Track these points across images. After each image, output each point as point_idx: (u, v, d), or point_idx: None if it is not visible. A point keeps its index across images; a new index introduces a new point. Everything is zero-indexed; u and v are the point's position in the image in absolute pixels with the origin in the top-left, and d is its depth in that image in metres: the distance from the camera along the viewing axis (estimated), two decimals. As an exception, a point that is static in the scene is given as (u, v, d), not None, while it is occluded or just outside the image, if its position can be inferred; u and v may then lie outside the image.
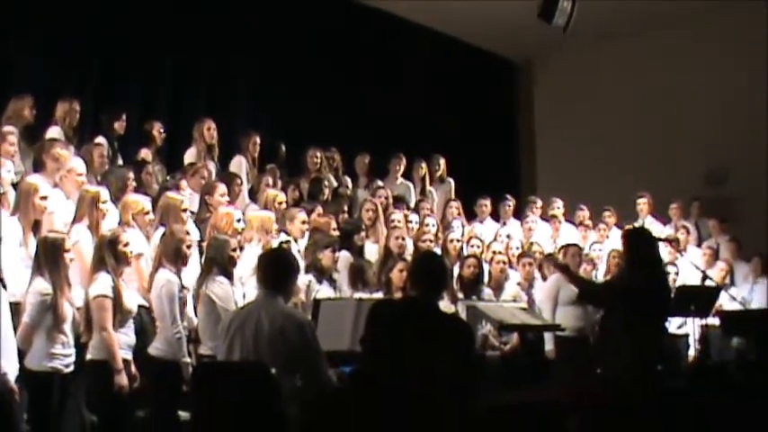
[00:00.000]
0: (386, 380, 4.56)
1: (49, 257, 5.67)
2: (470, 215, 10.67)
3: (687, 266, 9.77)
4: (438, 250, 8.80)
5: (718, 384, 6.47)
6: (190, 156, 8.98)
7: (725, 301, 9.61)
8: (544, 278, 9.07)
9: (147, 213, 6.82)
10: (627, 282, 6.97)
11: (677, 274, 9.68)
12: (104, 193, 6.63)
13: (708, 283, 9.70)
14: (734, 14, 12.36)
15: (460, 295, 8.14)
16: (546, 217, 10.83)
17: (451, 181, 11.13)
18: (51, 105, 8.18)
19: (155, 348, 6.10)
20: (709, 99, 12.98)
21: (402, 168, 10.75)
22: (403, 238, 8.37)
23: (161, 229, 6.65)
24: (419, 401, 4.38)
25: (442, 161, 11.11)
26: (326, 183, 9.63)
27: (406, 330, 4.67)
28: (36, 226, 6.21)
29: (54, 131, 7.91)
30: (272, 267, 5.19)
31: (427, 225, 9.13)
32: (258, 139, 9.48)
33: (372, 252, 8.51)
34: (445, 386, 4.52)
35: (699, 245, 11.10)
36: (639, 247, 7.05)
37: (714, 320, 9.34)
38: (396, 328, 4.72)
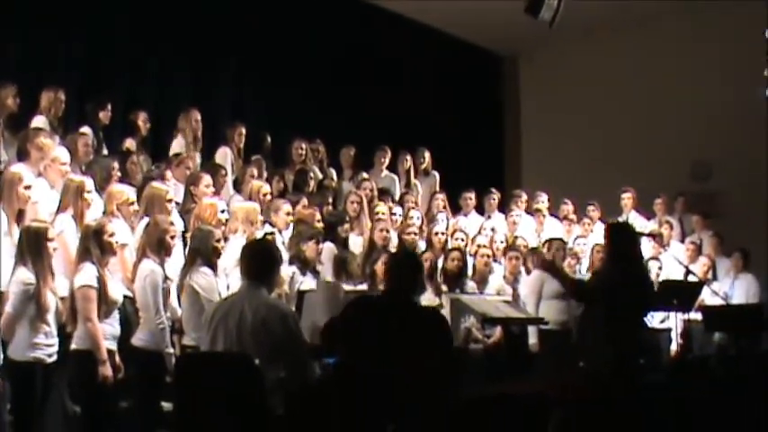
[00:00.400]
0: (367, 373, 4.59)
1: (32, 247, 5.65)
2: (455, 208, 10.69)
3: (670, 261, 9.82)
4: (422, 243, 8.83)
5: (700, 378, 6.52)
6: (177, 146, 8.97)
7: (707, 296, 9.67)
8: (528, 272, 9.10)
9: (132, 204, 6.81)
10: (607, 276, 7.00)
11: (660, 268, 9.72)
12: (89, 183, 6.61)
13: (691, 278, 9.76)
14: (718, 11, 12.40)
15: (444, 288, 8.16)
16: (530, 211, 10.85)
17: (436, 174, 11.15)
18: (36, 95, 8.14)
19: (138, 339, 6.08)
20: (693, 94, 13.02)
21: (387, 161, 10.76)
22: (387, 231, 8.39)
23: (145, 220, 6.64)
24: (401, 393, 4.41)
25: (428, 154, 11.12)
26: (311, 174, 9.62)
27: (385, 324, 4.71)
28: (20, 215, 6.19)
29: (39, 121, 7.87)
30: (255, 258, 5.21)
31: (412, 218, 9.15)
32: (243, 131, 9.49)
33: (357, 244, 8.52)
34: (426, 377, 4.56)
35: (683, 240, 11.14)
36: (621, 241, 7.08)
37: (696, 315, 9.40)
38: (374, 322, 4.77)
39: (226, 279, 6.73)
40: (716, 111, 12.74)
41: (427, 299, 7.92)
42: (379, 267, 7.62)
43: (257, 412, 4.75)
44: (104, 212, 6.64)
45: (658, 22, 13.16)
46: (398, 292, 4.97)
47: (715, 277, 10.69)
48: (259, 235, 7.19)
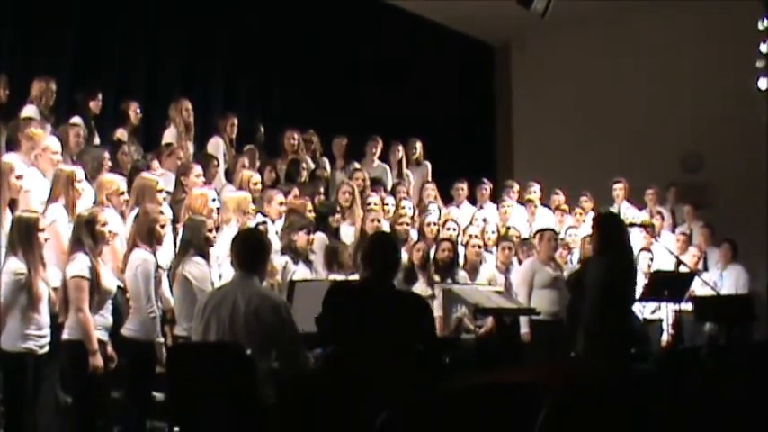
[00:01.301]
0: (355, 361, 4.60)
1: (23, 237, 5.64)
2: (447, 198, 10.69)
3: (661, 252, 9.85)
4: (414, 233, 8.84)
5: (690, 368, 6.54)
6: (169, 136, 8.95)
7: (697, 287, 9.70)
8: (520, 262, 9.12)
9: (123, 193, 6.80)
10: (595, 266, 7.02)
11: (652, 259, 9.75)
12: (80, 173, 6.60)
13: (681, 268, 9.79)
14: (711, 3, 12.41)
15: (437, 278, 8.18)
16: (522, 201, 10.86)
17: (428, 164, 11.14)
18: (26, 84, 8.12)
19: (128, 329, 6.06)
20: (685, 85, 13.04)
21: (379, 151, 10.75)
22: (379, 221, 8.39)
23: (136, 210, 6.63)
24: (388, 380, 4.42)
25: (419, 144, 11.11)
26: (304, 165, 9.62)
27: (365, 310, 4.71)
28: (12, 205, 6.17)
29: (29, 110, 7.85)
30: (245, 248, 5.22)
31: (403, 208, 9.15)
32: (236, 121, 9.47)
33: (349, 234, 8.52)
34: (411, 362, 4.57)
35: (674, 231, 11.18)
36: (610, 231, 7.10)
37: (687, 305, 9.44)
38: (354, 309, 4.76)
39: (218, 269, 6.73)
40: (707, 102, 12.76)
41: (419, 289, 7.94)
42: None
43: (249, 402, 4.76)
44: (95, 202, 6.63)
45: (651, 14, 13.16)
46: (376, 277, 4.90)
47: (705, 268, 10.75)
48: (252, 225, 7.19)
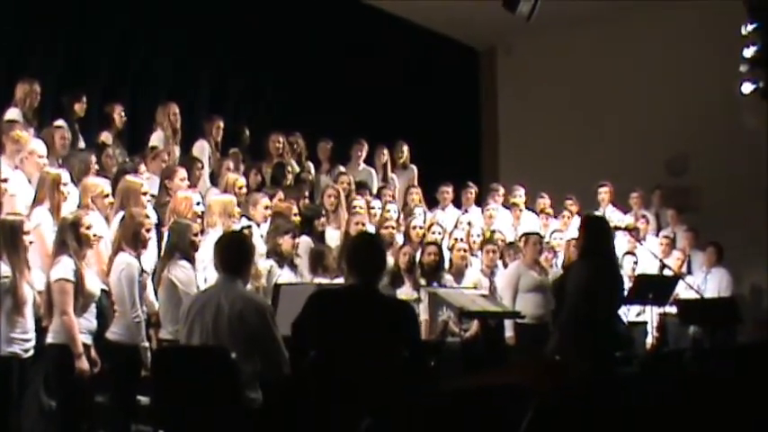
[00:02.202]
0: (340, 366, 4.59)
1: (8, 240, 5.61)
2: (432, 202, 10.70)
3: (646, 255, 9.88)
4: (400, 237, 8.84)
5: (674, 372, 6.56)
6: (155, 139, 8.92)
7: (681, 290, 9.73)
8: (505, 265, 9.14)
9: (107, 196, 6.76)
10: (580, 269, 7.03)
11: (636, 263, 9.79)
12: (65, 176, 6.58)
13: (666, 272, 9.82)
14: (695, 6, 12.46)
15: (422, 282, 8.19)
16: (507, 204, 10.88)
17: (414, 168, 11.15)
18: (10, 86, 8.09)
19: (113, 333, 6.04)
20: (670, 89, 13.08)
21: (364, 154, 10.75)
22: (363, 224, 8.39)
23: (121, 213, 6.61)
24: (374, 386, 4.41)
25: (405, 148, 11.12)
26: (289, 168, 9.61)
27: (350, 316, 4.69)
28: (-3, 208, 6.15)
29: (13, 113, 7.82)
30: (228, 252, 5.22)
31: (389, 212, 9.16)
32: (221, 124, 9.46)
33: (334, 238, 8.52)
34: (396, 367, 4.56)
35: (658, 234, 11.21)
36: (596, 234, 7.12)
37: (672, 309, 9.48)
38: (338, 315, 4.73)
39: (203, 272, 6.72)
40: (692, 106, 12.79)
41: (405, 292, 7.95)
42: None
43: (234, 406, 4.75)
44: (79, 205, 6.60)
45: (636, 17, 13.21)
46: (361, 281, 4.84)
47: (690, 271, 10.79)
48: (237, 228, 7.18)
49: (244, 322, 4.93)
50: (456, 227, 9.58)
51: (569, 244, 9.45)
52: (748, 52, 11.06)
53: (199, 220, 6.92)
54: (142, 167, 8.02)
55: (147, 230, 6.25)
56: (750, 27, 10.96)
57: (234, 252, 5.22)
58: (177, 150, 8.94)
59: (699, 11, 12.51)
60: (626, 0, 12.68)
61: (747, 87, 11.08)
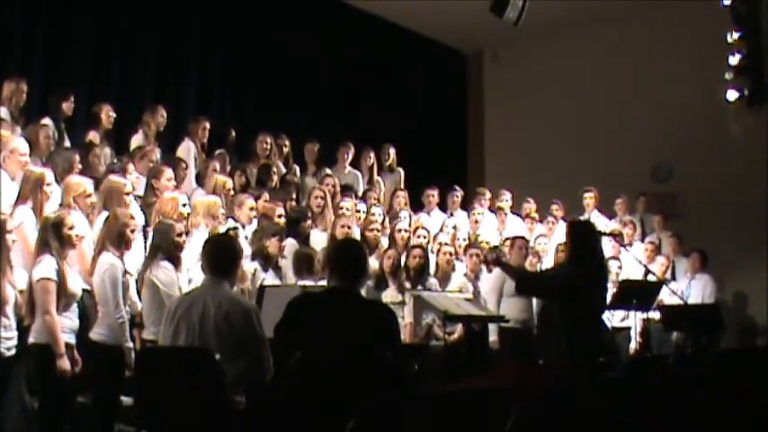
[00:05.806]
0: (322, 368, 4.58)
1: (-10, 239, 5.59)
2: (418, 205, 10.70)
3: (630, 261, 9.91)
4: (385, 240, 8.84)
5: (657, 377, 6.58)
6: (136, 141, 8.91)
7: (665, 296, 9.77)
8: (490, 270, 9.14)
9: (89, 196, 6.71)
10: (567, 273, 7.05)
11: (620, 268, 9.81)
12: (49, 175, 6.54)
13: (650, 277, 9.85)
14: (680, 13, 12.53)
15: (407, 285, 8.18)
16: (493, 209, 10.89)
17: (401, 171, 11.16)
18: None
19: (96, 333, 6.01)
20: (656, 96, 13.14)
21: (350, 157, 10.75)
22: (349, 227, 8.38)
23: (105, 213, 6.58)
24: (357, 389, 4.40)
25: (392, 150, 11.13)
26: (275, 169, 9.60)
27: (331, 320, 4.67)
28: (-21, 207, 6.12)
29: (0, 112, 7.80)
30: (216, 254, 5.21)
31: (373, 214, 9.15)
32: (207, 125, 9.45)
33: (319, 240, 8.51)
34: (378, 371, 4.55)
35: (643, 240, 11.25)
36: (582, 239, 7.14)
37: (655, 314, 9.50)
38: (320, 319, 4.72)
39: (188, 274, 6.70)
40: (677, 112, 12.86)
41: (390, 295, 7.94)
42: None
43: (218, 407, 4.74)
44: (61, 204, 6.57)
45: (621, 24, 13.27)
46: (342, 285, 4.82)
47: (674, 277, 10.83)
48: (222, 229, 7.17)
49: (230, 324, 4.92)
50: (441, 230, 9.58)
51: (558, 248, 9.46)
52: (733, 60, 11.14)
53: (184, 221, 6.90)
54: (130, 167, 7.98)
55: (132, 231, 6.22)
56: (735, 35, 11.04)
57: (222, 254, 5.22)
58: (158, 152, 8.90)
59: (684, 19, 12.58)
60: (612, 8, 12.73)
61: (732, 95, 11.14)
